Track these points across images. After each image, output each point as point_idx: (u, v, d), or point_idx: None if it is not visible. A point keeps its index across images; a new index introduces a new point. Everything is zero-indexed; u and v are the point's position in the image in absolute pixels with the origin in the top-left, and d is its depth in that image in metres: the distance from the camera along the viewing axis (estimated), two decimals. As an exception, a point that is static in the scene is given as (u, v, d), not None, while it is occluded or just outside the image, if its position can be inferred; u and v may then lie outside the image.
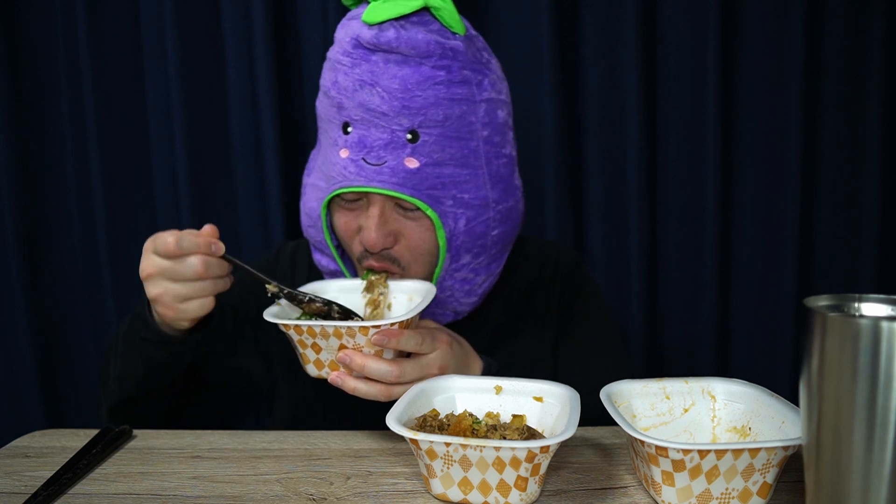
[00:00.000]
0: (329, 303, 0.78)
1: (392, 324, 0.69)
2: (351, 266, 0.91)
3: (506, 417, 0.69)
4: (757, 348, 1.56)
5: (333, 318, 0.77)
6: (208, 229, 0.76)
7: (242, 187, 1.49)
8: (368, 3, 0.78)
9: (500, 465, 0.57)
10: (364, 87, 0.77)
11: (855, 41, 1.46)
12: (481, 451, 0.56)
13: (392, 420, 0.60)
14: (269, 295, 0.77)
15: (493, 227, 0.84)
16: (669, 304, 1.55)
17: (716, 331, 1.52)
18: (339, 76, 0.78)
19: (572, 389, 0.67)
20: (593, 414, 0.71)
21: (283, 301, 0.79)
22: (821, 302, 0.47)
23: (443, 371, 0.73)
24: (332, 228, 0.88)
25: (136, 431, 0.80)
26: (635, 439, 0.56)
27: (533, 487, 0.59)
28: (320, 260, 0.91)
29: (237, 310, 0.97)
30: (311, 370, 0.74)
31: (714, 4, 1.42)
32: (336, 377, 0.71)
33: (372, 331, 0.69)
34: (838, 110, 1.49)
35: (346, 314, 0.78)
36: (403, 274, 0.85)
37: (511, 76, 1.44)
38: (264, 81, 1.41)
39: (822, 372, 0.43)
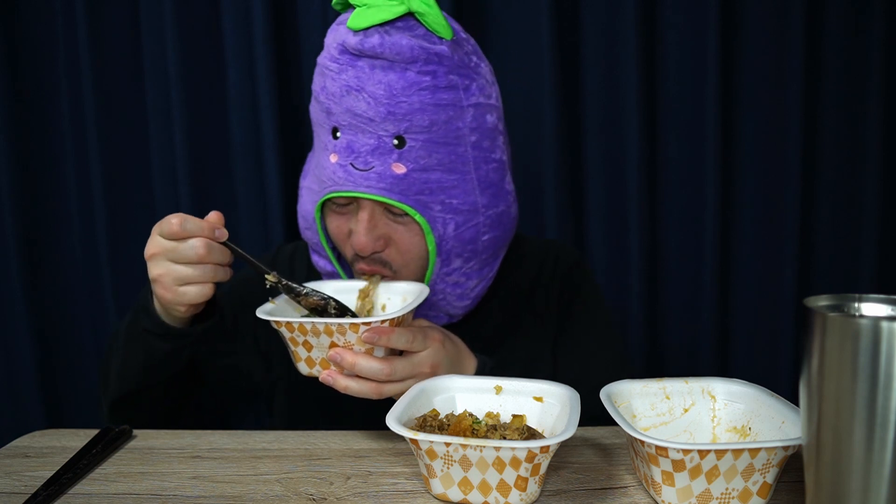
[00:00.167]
0: (326, 298, 0.78)
1: (383, 321, 0.69)
2: (348, 268, 0.91)
3: (506, 417, 0.69)
4: (757, 348, 1.56)
5: (330, 314, 0.78)
6: (214, 215, 0.77)
7: (242, 187, 1.49)
8: (354, 8, 0.78)
9: (500, 465, 0.57)
10: (350, 93, 0.77)
11: (855, 41, 1.46)
12: (481, 451, 0.56)
13: (392, 420, 0.60)
14: (268, 286, 0.77)
15: (484, 232, 0.84)
16: (669, 304, 1.55)
17: (716, 331, 1.52)
18: (328, 81, 0.78)
19: (572, 389, 0.67)
20: (593, 413, 0.71)
21: (280, 298, 0.79)
22: (821, 302, 0.47)
23: (434, 369, 0.73)
24: (327, 231, 0.89)
25: (136, 431, 0.80)
26: (635, 439, 0.56)
27: (533, 487, 0.59)
28: (318, 262, 0.92)
29: (237, 310, 0.97)
30: (303, 368, 0.74)
31: (714, 4, 1.42)
32: (327, 376, 0.71)
33: (362, 328, 0.69)
34: (838, 110, 1.49)
35: (343, 311, 0.78)
36: (395, 277, 0.85)
37: (511, 76, 1.46)
38: (264, 81, 1.41)
39: (822, 372, 0.43)
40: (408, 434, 0.58)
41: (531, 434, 0.65)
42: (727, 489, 0.56)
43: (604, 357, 0.96)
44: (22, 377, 1.51)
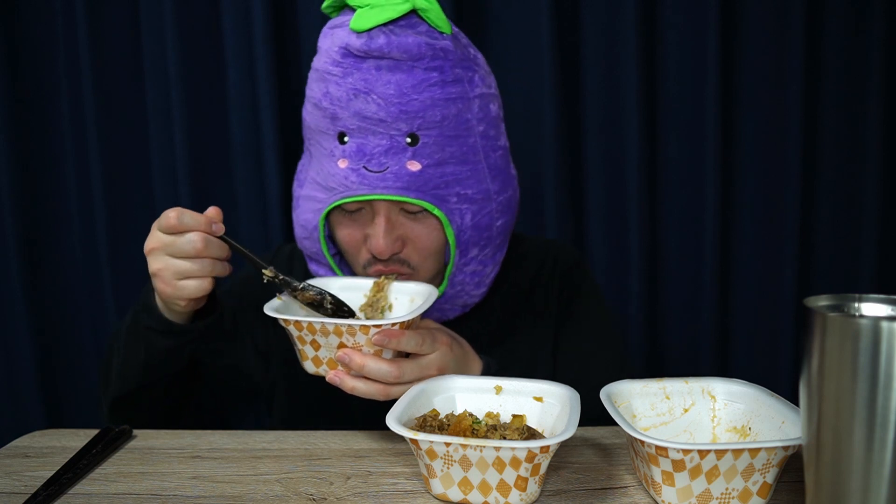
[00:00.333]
0: (322, 292, 0.77)
1: (393, 324, 0.69)
2: (348, 272, 0.91)
3: (506, 417, 0.69)
4: (757, 348, 1.56)
5: (326, 308, 0.77)
6: (212, 210, 0.77)
7: (242, 187, 1.49)
8: (352, 10, 0.77)
9: (500, 465, 0.57)
10: (359, 96, 0.76)
11: (855, 41, 1.46)
12: (481, 451, 0.56)
13: (392, 420, 0.60)
14: (265, 280, 0.77)
15: (497, 217, 0.85)
16: (669, 304, 1.55)
17: (716, 331, 1.52)
18: (331, 87, 0.78)
19: (572, 389, 0.67)
20: (593, 413, 0.71)
21: (284, 296, 0.79)
22: (821, 302, 0.47)
23: (442, 372, 0.73)
24: (328, 238, 0.89)
25: (136, 431, 0.80)
26: (635, 439, 0.56)
27: (533, 487, 0.59)
28: (317, 270, 0.91)
29: (236, 310, 0.97)
30: (309, 367, 0.74)
31: (714, 4, 1.42)
32: (334, 376, 0.71)
33: (373, 330, 0.68)
34: (838, 110, 1.49)
35: (339, 305, 0.78)
36: (413, 274, 0.85)
37: (511, 76, 1.46)
38: (264, 81, 1.41)
39: (822, 372, 0.43)
40: (408, 434, 0.58)
41: (531, 434, 0.65)
42: (727, 489, 0.56)
43: (603, 357, 0.96)
44: (22, 377, 1.51)
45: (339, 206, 0.83)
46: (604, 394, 0.64)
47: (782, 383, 1.54)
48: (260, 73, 1.41)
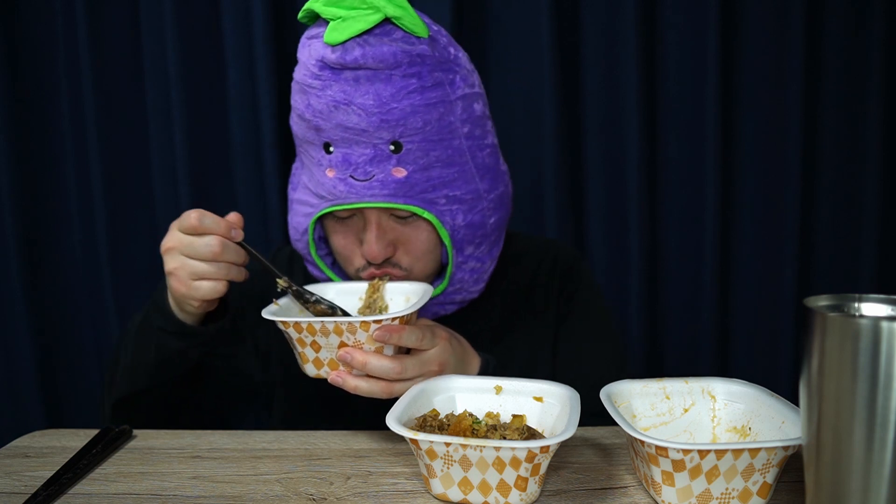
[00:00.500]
0: (333, 306, 0.78)
1: (393, 319, 0.69)
2: (341, 274, 0.92)
3: (506, 417, 0.69)
4: (757, 348, 1.56)
5: (336, 315, 0.78)
6: (233, 216, 0.78)
7: (242, 187, 1.49)
8: (325, 21, 0.76)
9: (500, 465, 0.57)
10: (339, 108, 0.76)
11: (855, 41, 1.46)
12: (481, 451, 0.56)
13: (392, 420, 0.60)
14: (280, 290, 0.78)
15: (490, 215, 0.86)
16: (669, 304, 1.55)
17: (716, 331, 1.52)
18: (312, 99, 0.78)
19: (572, 389, 0.67)
20: (592, 411, 0.71)
21: (282, 300, 0.79)
22: (821, 302, 0.47)
23: (442, 367, 0.73)
24: (319, 241, 0.90)
25: (136, 431, 0.80)
26: (635, 439, 0.56)
27: (533, 487, 0.59)
28: (312, 271, 0.93)
29: (236, 311, 0.97)
30: (310, 370, 0.74)
31: (714, 4, 1.42)
32: (336, 376, 0.71)
33: (373, 326, 0.69)
34: (838, 110, 1.49)
35: (347, 316, 0.79)
36: (407, 276, 0.86)
37: (511, 76, 1.46)
38: (264, 81, 1.41)
39: (822, 372, 0.43)
40: (408, 434, 0.58)
41: (531, 434, 0.65)
42: (727, 489, 0.56)
43: (602, 355, 0.97)
44: (22, 377, 1.51)
45: (330, 213, 0.84)
46: (604, 394, 0.64)
47: (782, 383, 1.54)
48: (260, 73, 1.41)
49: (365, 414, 0.81)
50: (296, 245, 0.91)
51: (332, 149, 0.79)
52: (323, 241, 0.92)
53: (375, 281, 0.84)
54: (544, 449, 0.56)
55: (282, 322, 0.71)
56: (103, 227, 1.48)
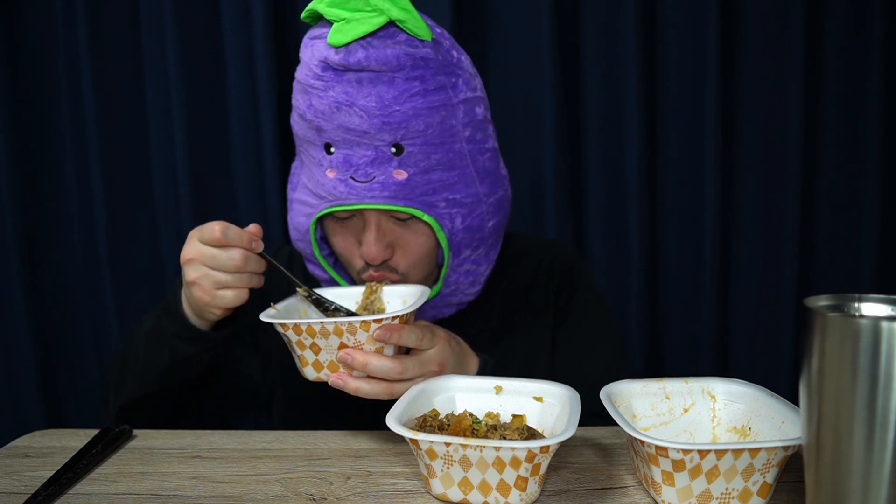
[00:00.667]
0: (352, 313, 0.80)
1: (393, 318, 0.69)
2: (343, 274, 0.92)
3: (506, 417, 0.69)
4: (757, 348, 1.56)
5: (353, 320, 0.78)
6: (254, 227, 0.78)
7: (242, 187, 1.49)
8: (329, 22, 0.76)
9: (500, 465, 0.57)
10: (341, 109, 0.76)
11: (855, 41, 1.46)
12: (481, 451, 0.56)
13: (392, 420, 0.60)
14: (298, 299, 0.80)
15: (488, 219, 0.86)
16: (669, 304, 1.55)
17: (716, 331, 1.52)
18: (314, 100, 0.78)
19: (572, 389, 0.67)
20: (592, 410, 0.71)
21: (281, 305, 0.79)
22: (821, 302, 0.47)
23: (442, 367, 0.74)
24: (321, 241, 0.90)
25: (136, 431, 0.80)
26: (635, 439, 0.56)
27: (533, 487, 0.59)
28: (313, 270, 0.93)
29: (245, 316, 0.97)
30: (310, 373, 0.74)
31: (714, 4, 1.42)
32: (337, 378, 0.71)
33: (373, 326, 0.69)
34: (838, 110, 1.49)
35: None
36: (403, 280, 0.86)
37: (511, 76, 1.46)
38: (264, 81, 1.41)
39: (822, 372, 0.43)
40: (408, 434, 0.58)
41: (531, 434, 0.65)
42: (727, 489, 0.56)
43: (601, 355, 0.97)
44: (22, 377, 1.51)
45: (330, 213, 0.84)
46: (604, 394, 0.64)
47: (782, 383, 1.54)
48: (260, 73, 1.41)
49: (365, 414, 0.81)
50: (297, 245, 0.91)
51: (333, 149, 0.79)
52: (324, 240, 0.92)
53: (373, 284, 0.84)
54: (544, 449, 0.56)
55: (280, 325, 0.71)
56: (103, 227, 1.48)
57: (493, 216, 0.86)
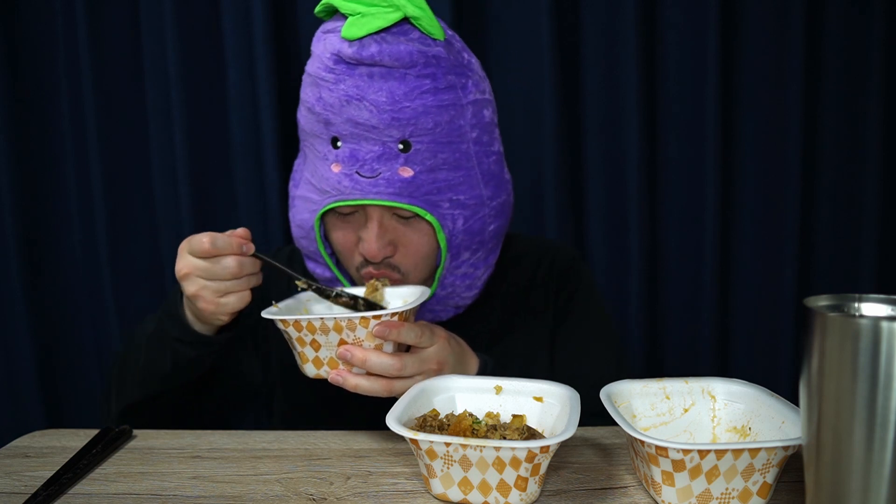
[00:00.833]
0: (354, 297, 0.80)
1: (392, 314, 0.69)
2: (346, 274, 0.92)
3: (506, 417, 0.69)
4: (757, 348, 1.56)
5: (360, 310, 0.80)
6: (242, 231, 0.78)
7: (242, 187, 1.49)
8: (344, 16, 0.77)
9: (500, 465, 0.57)
10: (351, 103, 0.76)
11: (855, 41, 1.46)
12: (481, 451, 0.56)
13: (392, 420, 0.60)
14: (299, 290, 0.80)
15: (490, 222, 0.85)
16: (669, 304, 1.55)
17: (716, 331, 1.52)
18: (324, 92, 0.78)
19: (572, 389, 0.67)
20: (592, 410, 0.71)
21: (283, 303, 0.80)
22: (821, 302, 0.47)
23: (441, 366, 0.74)
24: (325, 238, 0.89)
25: (136, 431, 0.80)
26: (635, 439, 0.56)
27: (533, 487, 0.59)
28: (314, 269, 0.92)
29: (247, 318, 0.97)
30: (310, 370, 0.74)
31: (714, 4, 1.42)
32: (336, 375, 0.71)
33: (373, 322, 0.69)
34: (838, 110, 1.49)
35: (371, 307, 0.80)
36: (404, 280, 0.86)
37: (511, 76, 1.46)
38: (264, 81, 1.41)
39: (822, 372, 0.43)
40: (408, 434, 0.58)
41: (531, 434, 0.65)
42: (727, 489, 0.56)
43: (600, 354, 0.97)
44: (22, 377, 1.51)
45: (332, 209, 0.84)
46: (604, 394, 0.64)
47: (782, 383, 1.54)
48: (260, 73, 1.41)
49: (365, 414, 0.81)
50: (300, 243, 0.90)
51: (339, 144, 0.79)
52: (326, 238, 0.92)
53: (374, 281, 0.84)
54: (544, 449, 0.56)
55: (281, 321, 0.71)
56: (103, 227, 1.48)
57: (495, 220, 0.86)
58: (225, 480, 0.67)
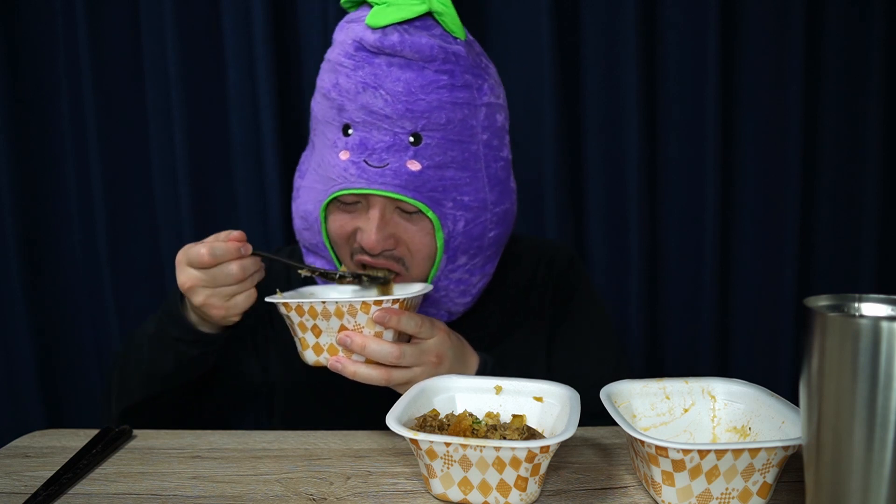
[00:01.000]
0: (358, 274, 0.82)
1: (394, 301, 0.70)
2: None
3: (506, 417, 0.69)
4: (757, 348, 1.56)
5: (365, 283, 0.82)
6: (237, 234, 0.78)
7: (242, 187, 1.49)
8: (370, 6, 0.78)
9: (500, 465, 0.57)
10: (367, 90, 0.77)
11: (855, 41, 1.46)
12: (481, 451, 0.56)
13: (392, 420, 0.60)
14: (303, 277, 0.82)
15: (490, 228, 0.85)
16: (669, 304, 1.55)
17: (716, 331, 1.52)
18: (341, 78, 0.78)
19: (572, 389, 0.67)
20: (592, 410, 0.71)
21: (288, 293, 0.81)
22: (821, 302, 0.47)
23: (440, 359, 0.74)
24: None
25: (136, 431, 0.80)
26: (635, 439, 0.56)
27: (533, 487, 0.59)
28: (314, 262, 0.92)
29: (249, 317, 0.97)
30: (310, 356, 0.74)
31: (714, 4, 1.42)
32: (335, 361, 0.72)
33: (373, 308, 0.70)
34: (838, 110, 1.49)
35: (373, 279, 0.82)
36: (405, 275, 0.85)
37: (511, 76, 1.45)
38: (264, 81, 1.41)
39: (822, 372, 0.43)
40: (408, 434, 0.58)
41: (531, 434, 0.65)
42: (727, 489, 0.56)
43: (601, 355, 0.97)
44: (22, 377, 1.51)
45: (336, 198, 0.83)
46: (604, 394, 0.64)
47: (782, 383, 1.53)
48: (260, 73, 1.41)
49: (365, 414, 0.81)
50: (302, 235, 0.90)
51: (350, 131, 0.79)
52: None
53: (386, 284, 0.85)
54: (544, 449, 0.56)
55: (283, 304, 0.72)
56: (103, 227, 1.48)
57: (496, 227, 0.86)
58: (225, 480, 0.67)
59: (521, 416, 0.68)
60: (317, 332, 0.72)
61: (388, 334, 0.72)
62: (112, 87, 1.46)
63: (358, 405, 0.84)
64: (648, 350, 1.53)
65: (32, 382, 1.50)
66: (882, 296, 0.47)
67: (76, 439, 0.78)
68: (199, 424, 0.86)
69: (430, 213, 0.80)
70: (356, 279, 0.82)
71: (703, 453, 0.54)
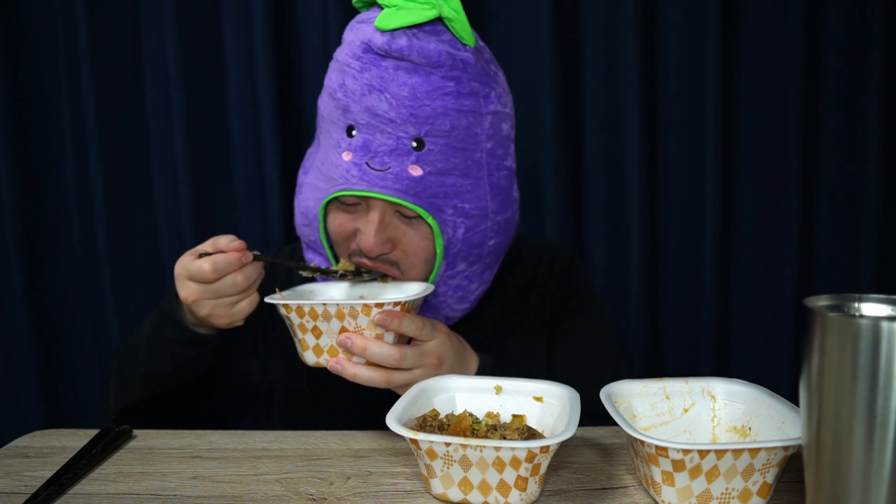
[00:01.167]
0: (358, 270, 0.83)
1: (395, 304, 0.70)
2: None
3: (506, 417, 0.69)
4: (757, 348, 1.56)
5: (364, 279, 0.83)
6: (237, 245, 0.78)
7: (242, 187, 1.49)
8: (381, 7, 0.78)
9: (500, 465, 0.57)
10: (372, 93, 0.77)
11: (855, 41, 1.46)
12: (481, 451, 0.56)
13: (392, 420, 0.60)
14: (304, 276, 0.83)
15: (490, 237, 0.85)
16: (669, 304, 1.55)
17: (716, 331, 1.52)
18: (347, 79, 0.78)
19: (572, 389, 0.67)
20: (593, 409, 0.71)
21: (286, 292, 0.81)
22: (821, 302, 0.47)
23: (441, 361, 0.74)
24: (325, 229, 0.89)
25: (136, 431, 0.80)
26: (635, 439, 0.56)
27: (533, 487, 0.59)
28: (313, 259, 0.92)
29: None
30: (310, 357, 0.74)
31: (714, 4, 1.42)
32: (336, 363, 0.71)
33: (374, 310, 0.70)
34: (838, 110, 1.49)
35: (373, 275, 0.83)
36: (402, 278, 0.86)
37: (511, 74, 1.44)
38: (264, 81, 1.41)
39: (822, 372, 0.43)
40: (408, 434, 0.58)
41: (531, 434, 0.65)
42: (727, 489, 0.56)
43: (600, 355, 0.97)
44: (22, 377, 1.51)
45: (337, 197, 0.83)
46: (604, 394, 0.64)
47: (782, 383, 1.53)
48: (260, 73, 1.41)
49: (365, 414, 0.81)
50: (302, 230, 0.90)
51: (354, 132, 0.79)
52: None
53: (383, 279, 0.85)
54: (544, 449, 0.56)
55: (284, 306, 0.72)
56: (103, 227, 1.48)
57: (497, 235, 0.86)
58: (225, 480, 0.67)
59: (521, 416, 0.68)
60: (317, 333, 0.72)
61: (389, 336, 0.72)
62: (112, 87, 1.46)
63: (358, 405, 0.84)
64: (648, 350, 1.53)
65: (32, 382, 1.50)
66: (882, 296, 0.47)
67: (76, 439, 0.78)
68: (199, 424, 0.86)
69: (429, 219, 0.80)
70: (356, 276, 0.82)
71: (703, 453, 0.54)
